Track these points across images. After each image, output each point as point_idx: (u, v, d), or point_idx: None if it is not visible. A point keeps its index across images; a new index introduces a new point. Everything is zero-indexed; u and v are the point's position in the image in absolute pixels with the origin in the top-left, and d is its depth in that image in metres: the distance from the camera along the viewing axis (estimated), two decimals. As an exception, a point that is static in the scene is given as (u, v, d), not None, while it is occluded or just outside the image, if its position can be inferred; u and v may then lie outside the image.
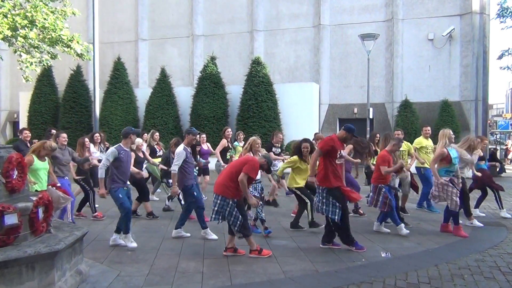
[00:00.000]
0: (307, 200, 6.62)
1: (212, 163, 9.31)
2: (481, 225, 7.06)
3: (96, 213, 7.67)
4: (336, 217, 5.52)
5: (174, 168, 6.18)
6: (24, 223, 3.87)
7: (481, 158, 7.84)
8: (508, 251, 5.68)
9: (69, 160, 6.89)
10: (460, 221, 6.63)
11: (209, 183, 9.28)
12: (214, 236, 6.24)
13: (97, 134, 8.93)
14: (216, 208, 5.32)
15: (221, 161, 8.90)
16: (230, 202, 5.27)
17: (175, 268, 4.93)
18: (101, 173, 5.79)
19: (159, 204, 8.80)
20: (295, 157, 6.85)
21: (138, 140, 7.70)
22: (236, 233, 5.36)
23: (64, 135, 6.92)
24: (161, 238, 6.28)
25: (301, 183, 6.75)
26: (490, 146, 21.67)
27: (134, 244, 5.74)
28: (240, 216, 5.27)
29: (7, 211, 3.70)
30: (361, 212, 8.00)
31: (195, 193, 6.32)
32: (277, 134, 8.98)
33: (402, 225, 6.59)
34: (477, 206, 8.05)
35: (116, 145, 5.92)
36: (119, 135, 16.97)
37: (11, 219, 3.72)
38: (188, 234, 6.36)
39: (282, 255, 5.43)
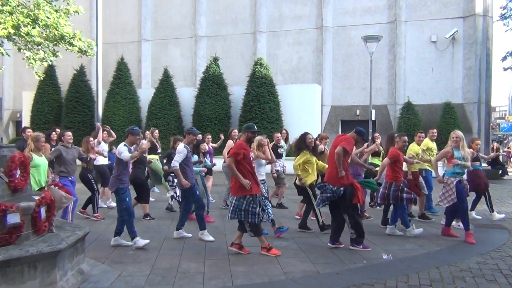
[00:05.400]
0: (315, 205, 6.61)
1: (220, 164, 9.25)
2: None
3: (97, 214, 7.70)
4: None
5: (175, 164, 6.13)
6: (26, 222, 3.89)
7: (475, 159, 7.83)
8: (510, 254, 5.67)
9: (75, 158, 6.89)
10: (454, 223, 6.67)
11: (214, 184, 9.25)
12: (211, 238, 6.22)
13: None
14: (231, 208, 5.47)
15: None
16: (243, 200, 5.35)
17: (176, 268, 4.94)
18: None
19: (162, 204, 8.81)
20: (305, 152, 6.84)
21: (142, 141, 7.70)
22: (248, 232, 5.41)
23: (69, 133, 6.90)
24: (162, 238, 6.29)
25: (313, 178, 6.83)
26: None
27: (146, 241, 5.78)
28: (255, 215, 5.32)
29: (9, 210, 3.71)
30: (367, 215, 7.98)
31: (197, 192, 6.33)
32: (274, 134, 9.07)
33: (413, 226, 6.57)
34: (472, 209, 8.02)
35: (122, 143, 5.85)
36: (121, 135, 17.05)
37: (13, 218, 3.74)
38: (190, 235, 6.37)
39: (284, 256, 5.43)
